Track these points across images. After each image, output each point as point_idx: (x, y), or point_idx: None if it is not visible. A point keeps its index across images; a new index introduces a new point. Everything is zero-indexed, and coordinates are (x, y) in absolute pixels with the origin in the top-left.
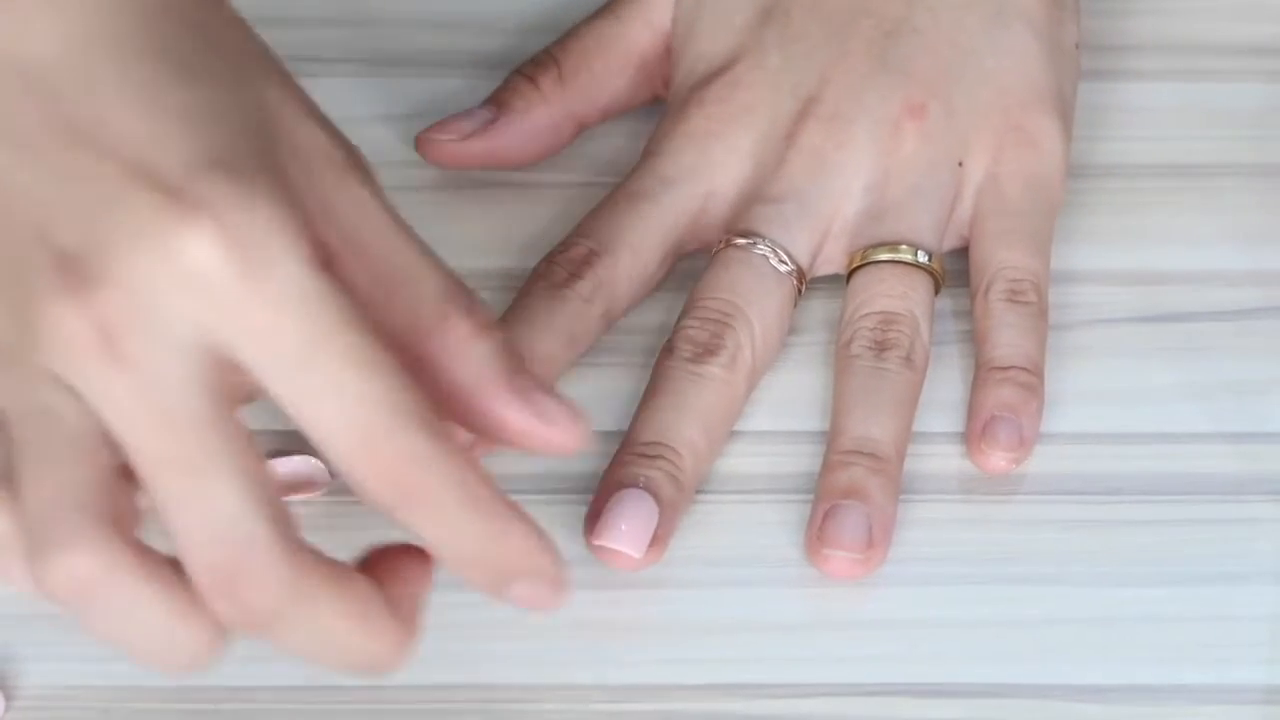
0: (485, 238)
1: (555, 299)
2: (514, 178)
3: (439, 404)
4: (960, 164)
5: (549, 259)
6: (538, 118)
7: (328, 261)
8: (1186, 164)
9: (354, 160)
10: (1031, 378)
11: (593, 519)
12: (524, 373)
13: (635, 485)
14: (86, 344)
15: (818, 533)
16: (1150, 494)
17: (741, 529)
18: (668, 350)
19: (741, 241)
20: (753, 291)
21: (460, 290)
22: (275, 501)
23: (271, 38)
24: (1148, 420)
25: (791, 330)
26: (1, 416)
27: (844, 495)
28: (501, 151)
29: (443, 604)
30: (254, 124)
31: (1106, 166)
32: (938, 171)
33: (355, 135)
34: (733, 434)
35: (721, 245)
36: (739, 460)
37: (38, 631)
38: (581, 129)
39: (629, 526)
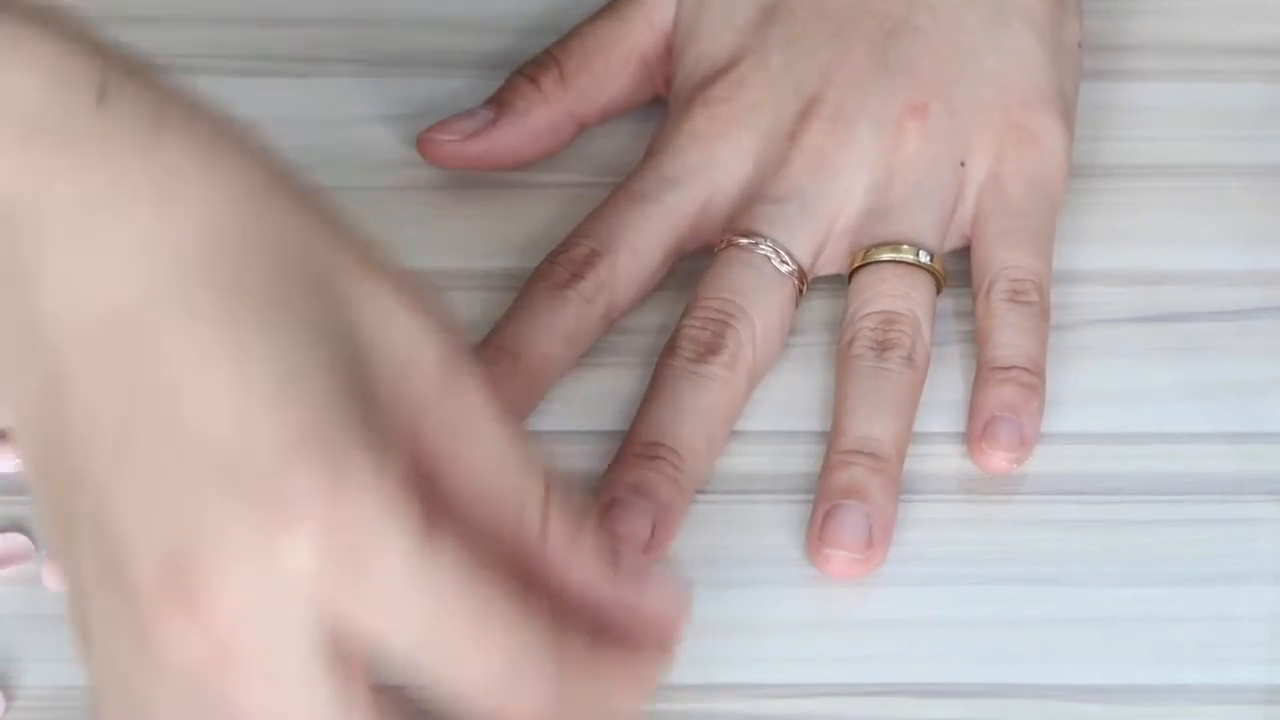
0: (485, 238)
1: (556, 299)
2: (514, 178)
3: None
4: (962, 163)
5: (550, 259)
6: (538, 118)
7: (429, 473)
8: (1186, 164)
9: (449, 352)
10: (1033, 378)
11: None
12: (627, 557)
13: (632, 490)
14: (209, 665)
15: (818, 532)
16: (1150, 494)
17: (742, 529)
18: (670, 350)
19: (743, 241)
20: (754, 291)
21: (555, 492)
22: None
23: (272, 38)
24: (1148, 420)
25: (792, 330)
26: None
27: (845, 495)
28: (502, 152)
29: None
30: (341, 358)
31: (1106, 166)
32: (940, 171)
33: (355, 135)
34: (733, 434)
35: (723, 245)
36: (739, 460)
37: (38, 631)
38: (582, 129)
39: (628, 528)
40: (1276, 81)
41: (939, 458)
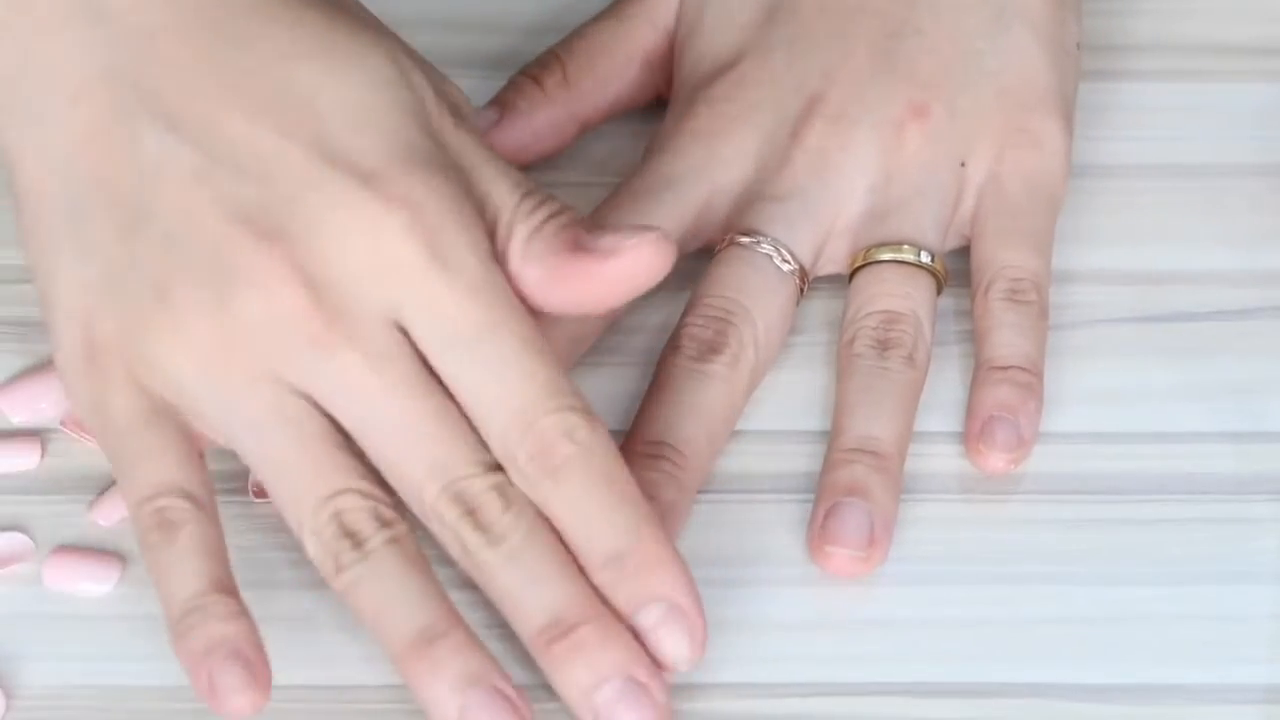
0: None
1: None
2: None
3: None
4: (963, 164)
5: None
6: (541, 118)
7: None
8: (1186, 164)
9: (459, 98)
10: (1030, 377)
11: None
12: (586, 234)
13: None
14: (307, 320)
15: (820, 530)
16: (1150, 494)
17: (743, 529)
18: (672, 348)
19: (745, 240)
20: (756, 290)
21: (526, 197)
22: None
23: None
24: (1148, 420)
25: (792, 330)
26: (224, 427)
27: (846, 493)
28: (505, 152)
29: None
30: (406, 107)
31: (1106, 166)
32: (940, 172)
33: None
34: (734, 434)
35: (725, 244)
36: (740, 460)
37: (38, 631)
38: (584, 130)
39: None
40: (1276, 81)
41: (938, 458)
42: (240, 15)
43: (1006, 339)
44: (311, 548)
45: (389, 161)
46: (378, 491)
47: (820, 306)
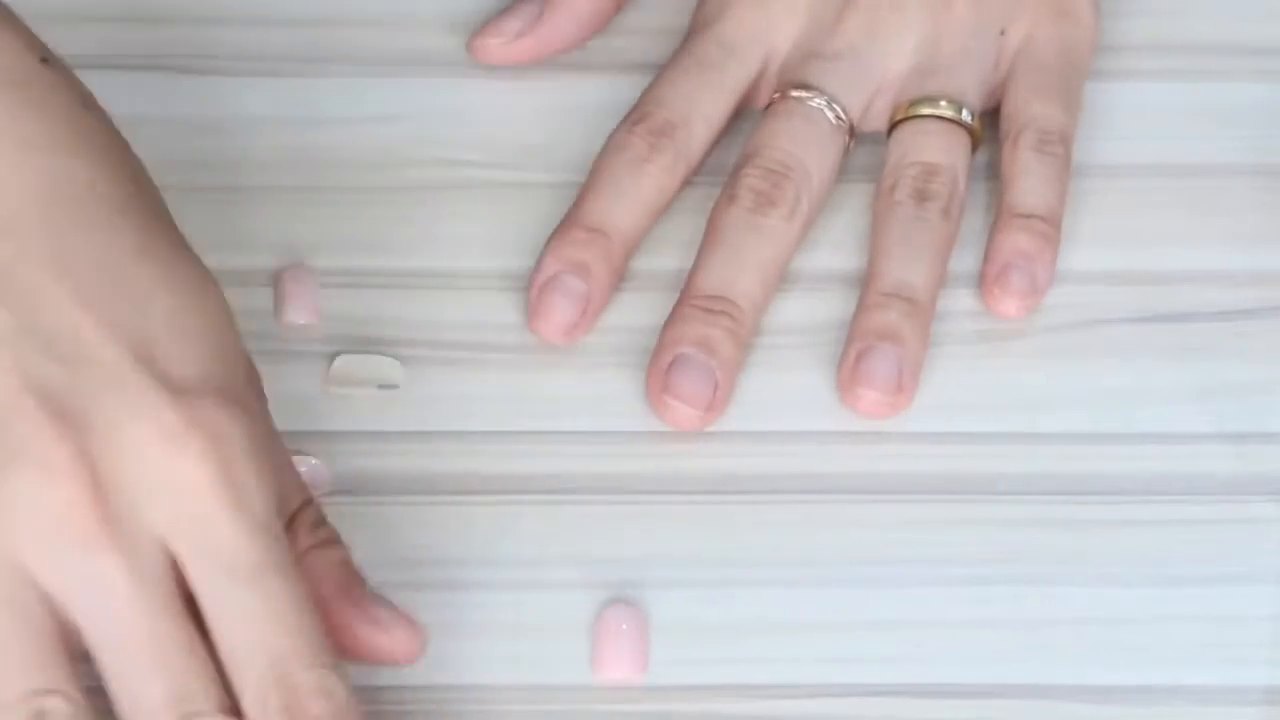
0: (485, 238)
1: (638, 172)
2: (514, 178)
3: None
4: (1002, 32)
5: (628, 129)
6: (582, 4)
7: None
8: (1186, 164)
9: (254, 370)
10: (1049, 228)
11: (656, 376)
12: (363, 585)
13: (696, 347)
14: (81, 516)
15: (851, 371)
16: (1150, 494)
17: (742, 529)
18: (729, 198)
19: (799, 94)
20: (811, 143)
21: (311, 505)
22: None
23: (273, 38)
24: (1148, 420)
25: (791, 331)
26: None
27: (879, 337)
28: (552, 44)
29: (443, 604)
30: (229, 346)
31: (1106, 166)
32: (983, 38)
33: (355, 135)
34: (734, 433)
35: (779, 97)
36: (740, 459)
37: None
38: (622, 4)
39: (692, 387)
40: (1276, 81)
41: (939, 458)
42: (96, 201)
43: (1031, 187)
44: None
45: (204, 384)
46: (87, 708)
47: (820, 307)
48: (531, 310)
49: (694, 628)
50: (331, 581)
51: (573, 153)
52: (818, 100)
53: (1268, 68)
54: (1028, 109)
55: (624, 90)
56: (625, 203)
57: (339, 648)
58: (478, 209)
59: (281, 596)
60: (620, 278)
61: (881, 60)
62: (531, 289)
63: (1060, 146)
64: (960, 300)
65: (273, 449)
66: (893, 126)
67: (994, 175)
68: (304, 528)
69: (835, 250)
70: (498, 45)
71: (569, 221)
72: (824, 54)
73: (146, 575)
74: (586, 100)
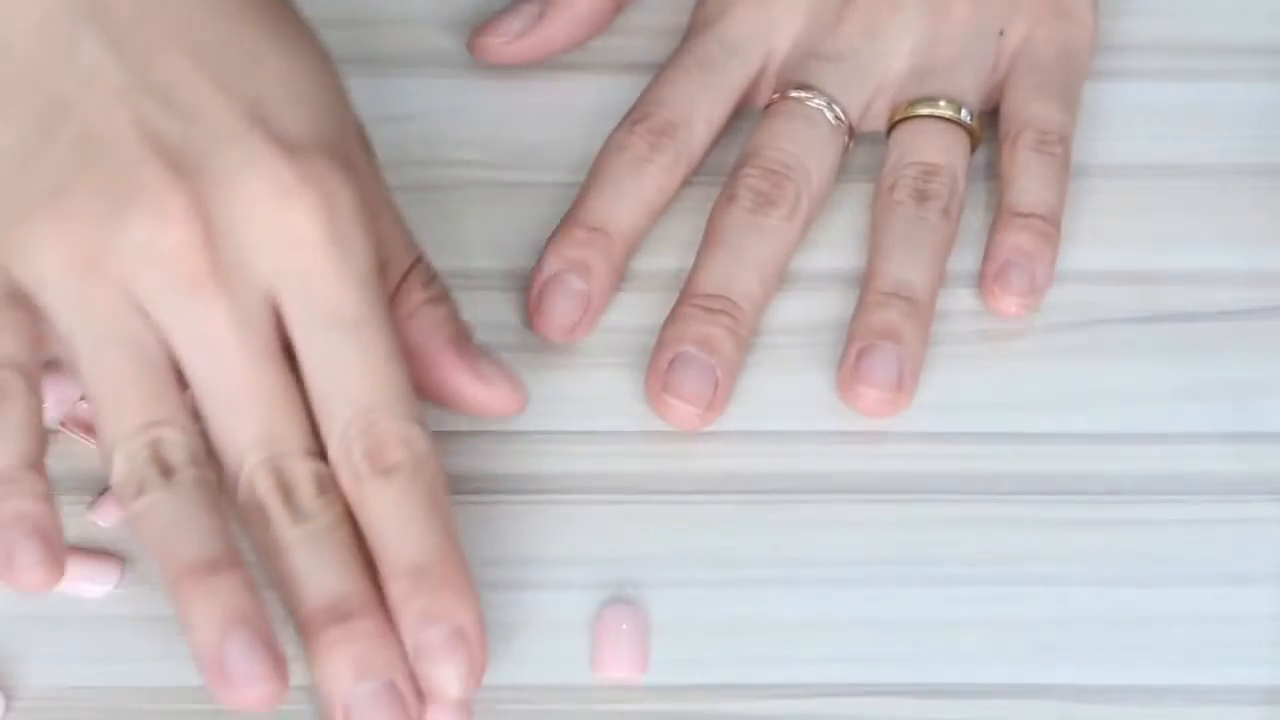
0: (485, 238)
1: (638, 171)
2: (513, 177)
3: None
4: (1001, 32)
5: (628, 128)
6: (582, 5)
7: None
8: (1186, 164)
9: (366, 135)
10: (1049, 227)
11: (656, 374)
12: (470, 340)
13: (697, 346)
14: (192, 259)
15: (851, 370)
16: (1150, 494)
17: (742, 529)
18: (728, 198)
19: (799, 94)
20: (811, 143)
21: (422, 262)
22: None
23: None
24: (1148, 420)
25: (791, 330)
26: (68, 332)
27: (880, 335)
28: (553, 43)
29: None
30: (338, 109)
31: (1106, 166)
32: (982, 38)
33: None
34: (734, 433)
35: (778, 97)
36: (740, 459)
37: (38, 632)
38: (621, 7)
39: (692, 386)
40: (1277, 81)
41: (939, 458)
42: None
43: (1030, 187)
44: (119, 466)
45: (314, 143)
46: (199, 437)
47: (820, 306)
48: (532, 309)
49: (694, 628)
50: (440, 335)
51: (573, 153)
52: (817, 101)
53: (1268, 68)
54: (1027, 109)
55: (624, 90)
56: (626, 202)
57: (445, 399)
58: (478, 209)
59: (376, 350)
60: (621, 277)
61: (881, 61)
62: (532, 288)
63: (1059, 146)
64: (960, 300)
65: (382, 209)
66: (892, 126)
67: (993, 175)
68: (415, 284)
69: (835, 250)
70: (499, 44)
71: (570, 221)
72: (824, 54)
73: (249, 321)
74: (586, 100)
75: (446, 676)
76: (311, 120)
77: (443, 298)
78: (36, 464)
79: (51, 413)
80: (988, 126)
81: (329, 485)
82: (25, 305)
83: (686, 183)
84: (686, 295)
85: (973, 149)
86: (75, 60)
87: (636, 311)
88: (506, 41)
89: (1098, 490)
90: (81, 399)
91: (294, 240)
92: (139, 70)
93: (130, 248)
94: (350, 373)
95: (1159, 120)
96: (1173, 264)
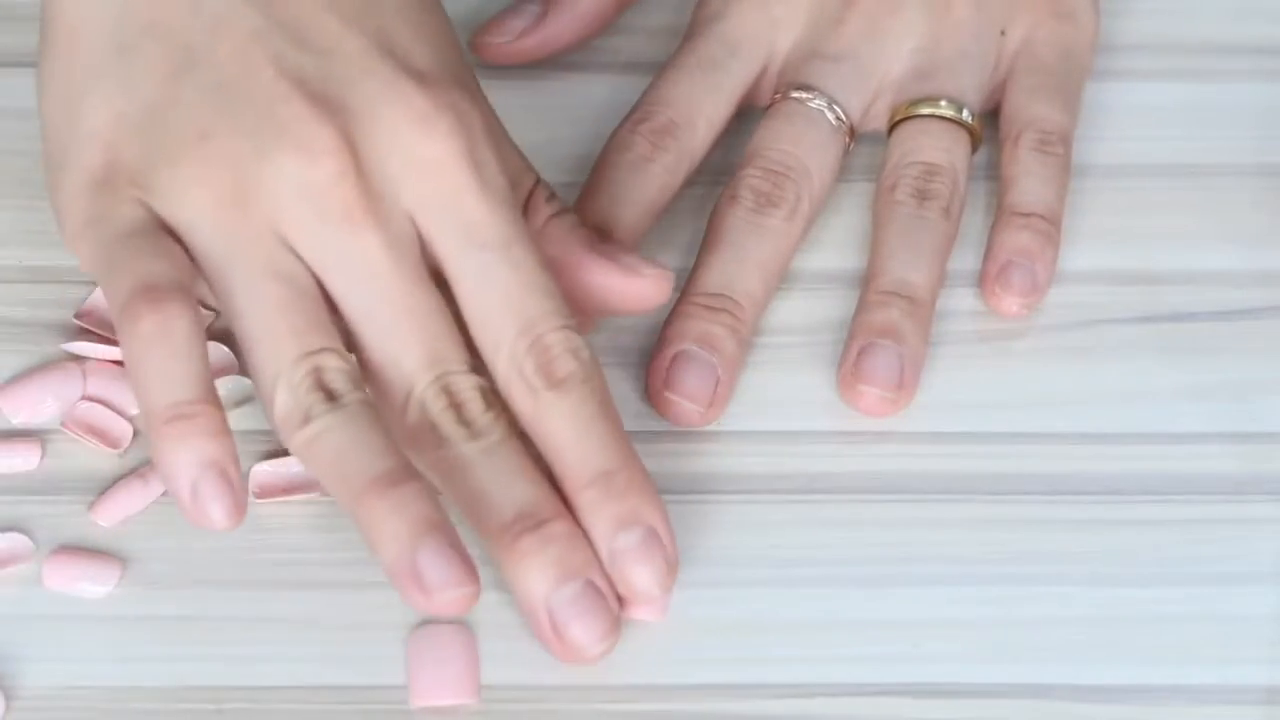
0: None
1: (641, 172)
2: None
3: None
4: (1002, 32)
5: (630, 128)
6: (585, 4)
7: None
8: (1186, 164)
9: (475, 75)
10: (1049, 226)
11: (657, 371)
12: (605, 239)
13: (698, 343)
14: (343, 192)
15: (852, 368)
16: (1150, 494)
17: (742, 529)
18: (730, 198)
19: (800, 95)
20: (812, 144)
21: (541, 181)
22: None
23: None
24: (1148, 420)
25: (791, 330)
26: (218, 271)
27: (880, 334)
28: (555, 43)
29: None
30: (454, 39)
31: (1106, 166)
32: (982, 39)
33: None
34: (734, 433)
35: (779, 97)
36: (740, 460)
37: (38, 631)
38: (624, 6)
39: (694, 383)
40: (1276, 81)
41: (938, 458)
42: None
43: (1031, 187)
44: (282, 398)
45: (441, 72)
46: (354, 361)
47: (819, 306)
48: None
49: (694, 628)
50: (576, 242)
51: (573, 153)
52: (818, 101)
53: (1268, 68)
54: (1028, 109)
55: (624, 90)
56: (628, 201)
57: (596, 302)
58: None
59: (527, 265)
60: None
61: (881, 61)
62: None
63: (1060, 146)
64: (961, 300)
65: (501, 134)
66: (893, 126)
67: (994, 175)
68: (541, 201)
69: (835, 250)
70: (501, 44)
71: None
72: (824, 55)
73: (402, 248)
74: (586, 100)
75: (645, 578)
76: (434, 51)
77: (568, 210)
78: (210, 393)
79: (51, 412)
80: (988, 127)
81: (495, 400)
82: (174, 240)
83: (688, 182)
84: (688, 294)
85: (974, 149)
86: (200, 8)
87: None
88: (509, 41)
89: (1098, 490)
90: (82, 399)
91: (435, 166)
92: (266, 12)
93: (280, 183)
94: (507, 290)
95: (1159, 120)
96: (1173, 264)
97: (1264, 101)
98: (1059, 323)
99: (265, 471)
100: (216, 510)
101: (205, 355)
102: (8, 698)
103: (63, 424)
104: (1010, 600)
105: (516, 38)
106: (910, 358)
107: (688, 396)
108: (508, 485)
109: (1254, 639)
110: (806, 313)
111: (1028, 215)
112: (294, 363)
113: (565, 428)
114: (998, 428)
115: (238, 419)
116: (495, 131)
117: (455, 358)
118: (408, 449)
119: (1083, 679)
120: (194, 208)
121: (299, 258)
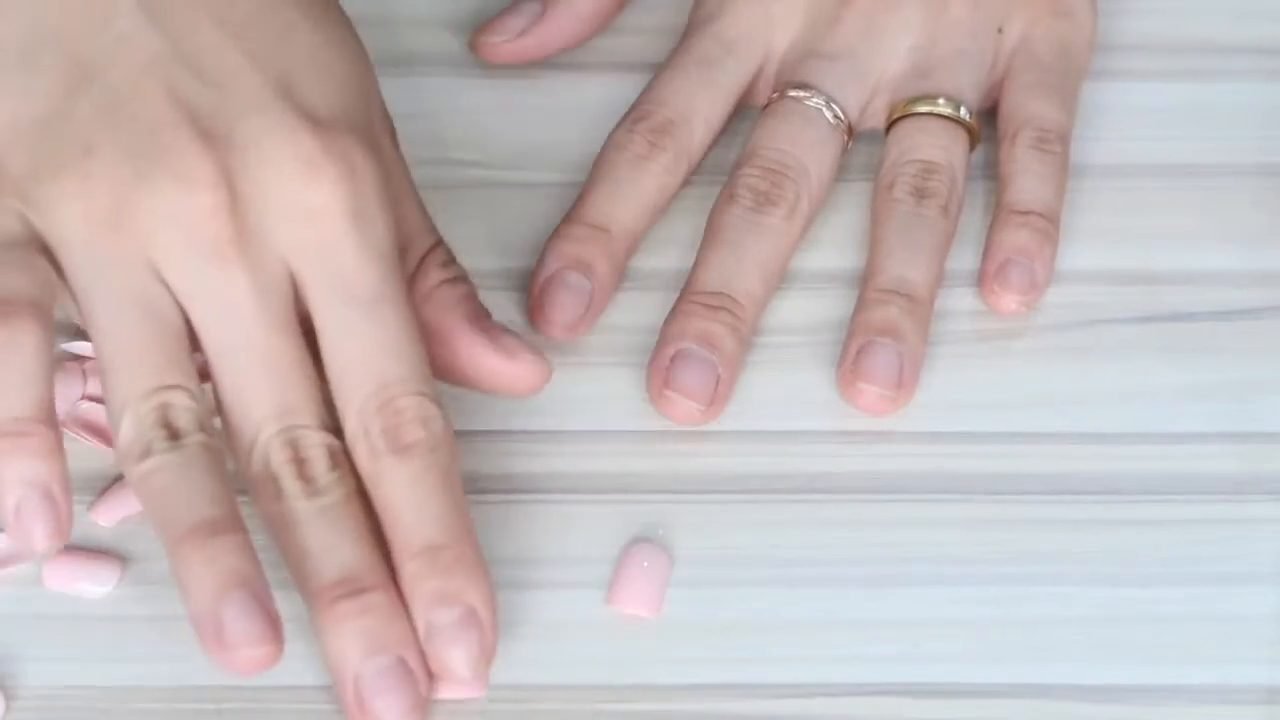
0: (485, 238)
1: (639, 170)
2: (514, 177)
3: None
4: (1000, 30)
5: (628, 127)
6: (584, 3)
7: None
8: (1186, 164)
9: (389, 119)
10: (1048, 224)
11: (658, 370)
12: (489, 317)
13: (698, 342)
14: (216, 226)
15: (851, 366)
16: (1150, 494)
17: (742, 529)
18: (728, 197)
19: (798, 94)
20: (810, 143)
21: (441, 245)
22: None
23: None
24: (1148, 420)
25: (791, 330)
26: (84, 291)
27: (880, 332)
28: (554, 42)
29: None
30: (366, 88)
31: (1105, 166)
32: (980, 37)
33: None
34: (734, 433)
35: (777, 96)
36: (740, 459)
37: (38, 631)
38: (623, 5)
39: (694, 382)
40: (1277, 81)
41: (938, 457)
42: None
43: (1029, 185)
44: (125, 429)
45: (340, 118)
46: (208, 404)
47: (819, 307)
48: (534, 306)
49: (694, 628)
50: (461, 312)
51: (573, 153)
52: (816, 100)
53: (1268, 68)
54: (1025, 107)
55: (624, 90)
56: (627, 201)
57: (466, 377)
58: (478, 209)
59: (394, 326)
60: (622, 275)
61: (879, 60)
62: (534, 286)
63: (1058, 145)
64: (960, 300)
65: (403, 192)
66: (891, 124)
67: (992, 174)
68: (434, 266)
69: (835, 250)
70: (500, 43)
71: (571, 219)
72: (822, 53)
73: (268, 291)
74: (586, 100)
75: (458, 658)
76: (338, 96)
77: (462, 279)
78: (47, 413)
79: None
80: (986, 125)
81: (342, 460)
82: (47, 254)
83: (687, 181)
84: (687, 293)
85: (971, 147)
86: (109, 26)
87: (637, 311)
88: (508, 40)
89: (1097, 490)
90: (83, 399)
91: (315, 213)
92: (172, 39)
93: (154, 210)
94: (367, 348)
95: (1159, 120)
96: (1173, 264)
97: (1264, 101)
98: (1058, 322)
99: None
100: (38, 530)
101: (49, 375)
102: (8, 698)
103: (63, 423)
104: (1010, 600)
105: (515, 37)
106: (909, 356)
107: (688, 395)
108: (336, 547)
109: (1254, 639)
110: (806, 312)
111: (1026, 213)
112: (145, 395)
113: (401, 495)
114: (997, 428)
115: None
116: (397, 187)
117: (308, 411)
118: (252, 497)
119: (1083, 679)
120: (68, 225)
121: (167, 287)
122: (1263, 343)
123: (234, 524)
